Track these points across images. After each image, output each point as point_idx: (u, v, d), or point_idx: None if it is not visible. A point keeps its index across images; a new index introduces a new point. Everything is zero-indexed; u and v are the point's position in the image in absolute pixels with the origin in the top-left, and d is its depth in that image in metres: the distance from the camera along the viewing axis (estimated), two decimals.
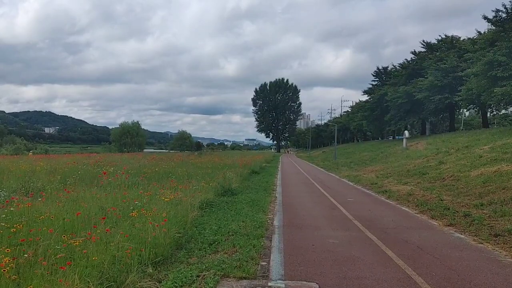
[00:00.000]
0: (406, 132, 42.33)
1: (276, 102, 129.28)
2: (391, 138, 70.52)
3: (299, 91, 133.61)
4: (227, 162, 29.58)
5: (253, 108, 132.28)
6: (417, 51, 51.65)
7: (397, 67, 56.66)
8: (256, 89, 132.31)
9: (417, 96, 42.80)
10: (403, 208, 12.60)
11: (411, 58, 51.63)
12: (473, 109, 44.12)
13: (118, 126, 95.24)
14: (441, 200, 13.08)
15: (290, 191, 17.32)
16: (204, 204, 11.44)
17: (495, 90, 25.83)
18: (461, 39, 45.29)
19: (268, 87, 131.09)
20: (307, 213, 11.38)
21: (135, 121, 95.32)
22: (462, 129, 56.30)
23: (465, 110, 52.43)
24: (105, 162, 24.83)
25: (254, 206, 12.08)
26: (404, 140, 40.14)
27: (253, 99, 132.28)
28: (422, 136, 50.62)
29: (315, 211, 11.87)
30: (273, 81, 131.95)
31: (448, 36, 46.20)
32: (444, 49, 45.34)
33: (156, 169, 18.30)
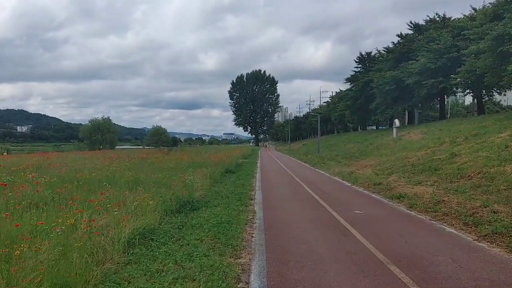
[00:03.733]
0: (397, 121, 38.62)
1: (253, 94, 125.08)
2: (375, 128, 67.17)
3: (277, 83, 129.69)
4: (197, 159, 25.12)
5: (230, 101, 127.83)
6: (403, 34, 47.90)
7: (382, 51, 52.85)
8: (232, 81, 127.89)
9: (406, 81, 39.07)
10: (451, 230, 8.23)
11: (398, 41, 47.81)
12: (470, 94, 40.59)
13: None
14: (494, 212, 9.01)
15: (273, 200, 13.00)
16: (136, 238, 7.04)
17: (508, 68, 22.05)
18: (452, 18, 41.70)
19: (245, 79, 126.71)
20: (306, 248, 7.00)
21: (106, 116, 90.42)
22: (449, 117, 53.22)
23: (461, 95, 49.05)
24: (44, 164, 20.16)
25: (220, 235, 7.69)
26: (394, 130, 36.50)
27: (229, 92, 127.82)
28: (411, 125, 47.09)
29: (318, 241, 7.48)
30: (250, 72, 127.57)
31: (439, 15, 42.49)
32: (434, 29, 41.62)
33: (94, 174, 13.73)
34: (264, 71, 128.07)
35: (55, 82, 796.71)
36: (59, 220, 6.85)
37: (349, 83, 60.44)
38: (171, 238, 7.40)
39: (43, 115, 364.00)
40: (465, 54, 30.04)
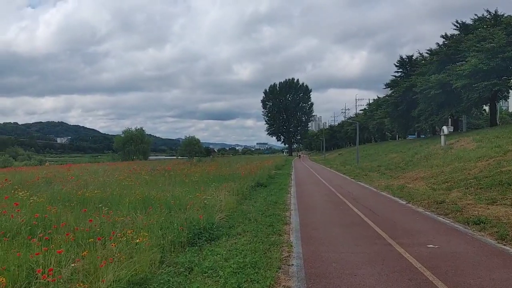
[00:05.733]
0: (445, 128, 35.06)
1: (286, 103, 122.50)
2: (416, 137, 63.17)
3: (311, 91, 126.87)
4: (225, 171, 22.73)
5: (263, 110, 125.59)
6: (449, 34, 44.30)
7: (425, 54, 49.26)
8: (265, 90, 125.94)
9: (454, 84, 35.56)
10: None
11: (443, 42, 44.23)
12: None
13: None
14: None
15: (313, 225, 10.31)
16: None
17: None
18: (505, 15, 37.95)
19: (278, 87, 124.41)
20: None
21: (139, 127, 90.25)
22: (499, 124, 48.89)
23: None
24: (57, 177, 18.32)
25: None
26: (443, 138, 33.06)
27: (262, 101, 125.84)
28: (458, 133, 43.28)
29: None
30: (283, 81, 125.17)
31: (490, 12, 38.79)
32: (484, 28, 38.00)
33: (96, 192, 11.49)
34: (297, 80, 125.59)
35: (94, 95, 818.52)
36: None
37: (389, 88, 56.93)
38: None
39: (82, 126, 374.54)
40: None
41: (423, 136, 61.43)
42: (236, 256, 6.87)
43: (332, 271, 6.21)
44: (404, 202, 14.20)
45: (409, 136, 69.75)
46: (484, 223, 9.39)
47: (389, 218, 10.89)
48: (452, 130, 46.64)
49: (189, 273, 6.04)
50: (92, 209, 9.33)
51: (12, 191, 11.40)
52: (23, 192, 11.05)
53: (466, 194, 14.01)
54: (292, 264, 6.64)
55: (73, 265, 5.40)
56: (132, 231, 6.58)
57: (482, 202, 12.34)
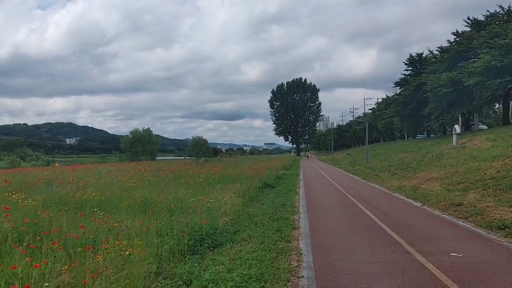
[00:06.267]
0: (457, 127, 34.17)
1: (294, 103, 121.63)
2: (425, 136, 62.17)
3: (318, 91, 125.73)
4: (232, 172, 22.10)
5: (270, 110, 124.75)
6: (460, 31, 43.37)
7: (436, 52, 48.31)
8: (273, 90, 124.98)
9: (466, 82, 34.67)
10: None
11: (454, 39, 43.27)
12: None
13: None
14: None
15: (324, 230, 9.65)
16: None
17: None
18: None
19: (285, 87, 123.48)
20: None
21: (146, 128, 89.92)
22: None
23: None
24: (59, 178, 17.84)
25: None
26: (454, 137, 32.15)
27: (270, 101, 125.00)
28: (470, 131, 42.34)
29: None
30: (290, 81, 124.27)
31: (503, 8, 37.84)
32: (497, 24, 37.08)
33: (95, 194, 10.92)
34: (305, 79, 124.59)
35: (103, 95, 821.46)
36: None
37: (398, 87, 56.03)
38: None
39: (91, 127, 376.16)
40: None
41: (433, 135, 60.44)
42: (241, 266, 6.25)
43: (347, 285, 5.55)
44: (419, 204, 13.48)
45: (419, 135, 68.77)
46: (510, 228, 8.68)
47: (405, 222, 10.20)
48: (463, 129, 45.72)
49: (187, 287, 5.43)
50: (89, 213, 8.77)
51: (7, 193, 10.85)
52: (18, 194, 10.53)
53: (485, 196, 13.28)
54: (302, 276, 5.99)
55: (57, 279, 4.82)
56: (120, 242, 5.90)
57: (503, 204, 11.61)
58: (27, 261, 5.23)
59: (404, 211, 12.33)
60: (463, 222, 9.96)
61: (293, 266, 6.48)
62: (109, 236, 6.95)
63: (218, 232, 8.46)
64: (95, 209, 8.63)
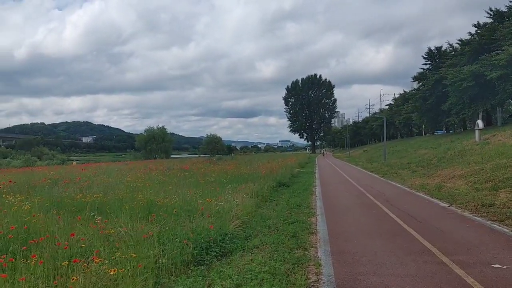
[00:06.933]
0: (479, 122, 32.74)
1: (309, 100, 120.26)
2: (444, 132, 60.54)
3: (334, 87, 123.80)
4: (244, 170, 21.29)
5: (285, 107, 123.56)
6: (481, 23, 41.78)
7: (456, 45, 46.74)
8: (287, 86, 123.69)
9: (489, 76, 33.27)
10: None
11: (476, 31, 41.71)
12: None
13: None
14: None
15: (344, 235, 8.72)
16: None
17: None
18: None
19: (300, 84, 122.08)
20: None
21: (161, 126, 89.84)
22: None
23: None
24: (64, 178, 17.26)
25: None
26: (477, 132, 30.91)
27: (284, 98, 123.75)
28: (492, 127, 40.84)
29: None
30: (305, 77, 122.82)
31: None
32: None
33: (96, 196, 10.22)
34: (320, 76, 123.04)
35: (119, 94, 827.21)
36: None
37: (416, 82, 54.54)
38: None
39: (107, 126, 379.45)
40: None
41: (451, 131, 58.79)
42: (251, 281, 5.42)
43: None
44: (446, 205, 12.48)
45: (437, 131, 67.10)
46: None
47: (434, 226, 9.24)
48: (485, 125, 44.14)
49: None
50: (88, 217, 8.07)
51: (3, 195, 10.21)
52: (15, 196, 9.89)
53: None
54: None
55: None
56: (99, 260, 5.11)
57: None
58: (2, 276, 4.52)
59: (430, 212, 11.35)
60: (499, 226, 8.96)
61: (311, 281, 5.62)
62: (105, 244, 6.22)
63: (227, 238, 7.66)
64: (92, 214, 7.91)
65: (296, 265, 6.24)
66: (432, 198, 14.17)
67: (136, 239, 6.32)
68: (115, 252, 5.34)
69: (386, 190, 17.43)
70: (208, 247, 6.96)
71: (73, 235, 6.22)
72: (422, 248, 7.23)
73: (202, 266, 6.25)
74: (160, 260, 5.87)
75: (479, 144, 27.81)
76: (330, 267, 6.23)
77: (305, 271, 6.03)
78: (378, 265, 6.29)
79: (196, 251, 6.61)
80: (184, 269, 6.06)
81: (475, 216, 10.40)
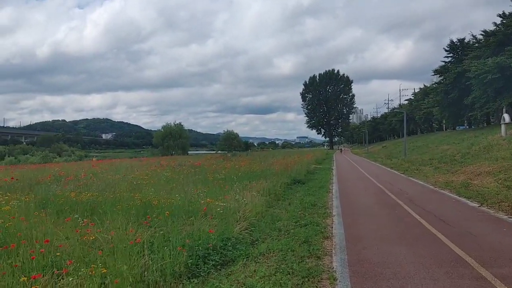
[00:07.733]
0: (506, 116, 31.16)
1: (327, 95, 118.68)
2: (466, 127, 58.51)
3: (352, 82, 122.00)
4: (257, 167, 20.37)
5: (302, 102, 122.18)
6: (507, 13, 39.91)
7: (479, 36, 44.87)
8: (305, 82, 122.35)
9: None
10: None
11: (501, 21, 39.88)
12: None
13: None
14: None
15: (364, 241, 7.67)
16: None
17: None
18: None
19: (317, 79, 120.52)
20: None
21: (178, 122, 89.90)
22: None
23: None
24: (67, 175, 16.63)
25: None
26: (503, 127, 29.40)
27: (302, 93, 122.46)
28: None
29: None
30: (322, 73, 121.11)
31: None
32: None
33: (96, 194, 9.44)
34: (338, 71, 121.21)
35: (138, 91, 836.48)
36: None
37: (438, 75, 52.66)
38: None
39: (126, 123, 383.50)
40: None
41: (473, 126, 56.81)
42: None
43: None
44: (476, 205, 11.35)
45: (459, 126, 64.99)
46: None
47: (465, 229, 8.18)
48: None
49: None
50: (76, 218, 7.27)
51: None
52: (9, 195, 9.19)
53: None
54: None
55: None
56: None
57: None
58: None
59: (459, 213, 10.24)
60: None
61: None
62: (86, 253, 5.39)
63: (230, 244, 6.76)
64: (76, 216, 7.09)
65: (306, 279, 5.29)
66: (460, 197, 13.03)
67: (119, 246, 5.46)
68: (81, 268, 4.49)
69: (408, 187, 16.30)
70: (207, 255, 6.08)
71: (47, 241, 5.39)
72: (455, 257, 6.21)
73: (197, 279, 5.36)
74: (146, 272, 5.01)
75: (506, 139, 26.36)
76: (347, 281, 5.27)
77: (317, 286, 5.08)
78: (405, 280, 5.29)
79: (191, 260, 5.73)
80: (175, 283, 5.18)
81: (511, 218, 9.28)
